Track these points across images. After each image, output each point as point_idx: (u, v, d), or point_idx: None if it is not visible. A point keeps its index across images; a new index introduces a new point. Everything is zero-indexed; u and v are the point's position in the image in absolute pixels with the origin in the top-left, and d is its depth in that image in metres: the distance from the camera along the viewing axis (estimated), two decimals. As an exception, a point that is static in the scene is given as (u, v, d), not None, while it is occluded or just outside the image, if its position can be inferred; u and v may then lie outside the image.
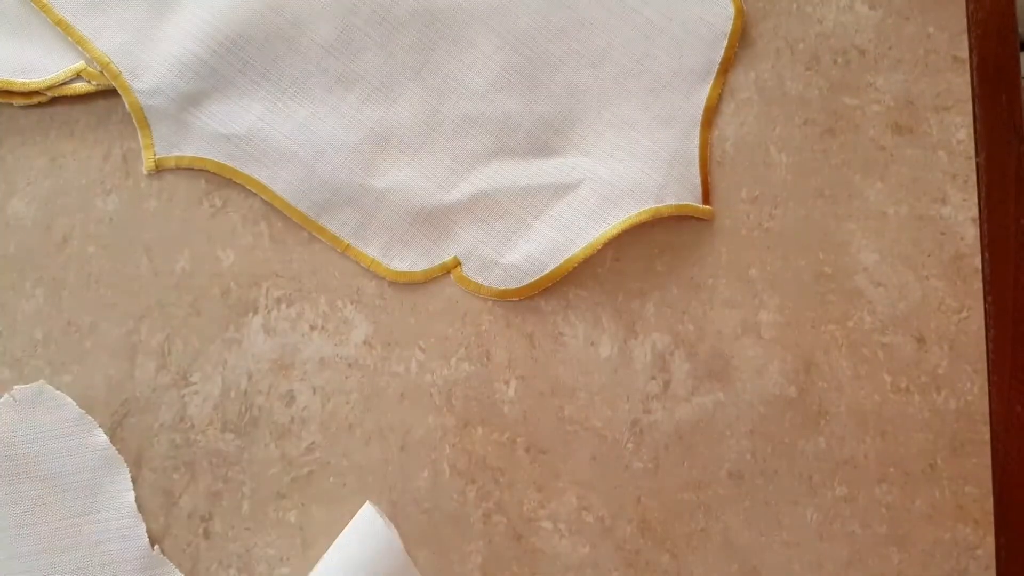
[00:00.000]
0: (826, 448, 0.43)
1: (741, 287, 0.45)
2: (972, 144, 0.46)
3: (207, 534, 0.43)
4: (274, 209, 0.45)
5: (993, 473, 0.43)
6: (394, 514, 0.43)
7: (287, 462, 0.43)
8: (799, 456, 0.43)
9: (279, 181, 0.44)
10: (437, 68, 0.46)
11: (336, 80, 0.45)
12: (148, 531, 0.42)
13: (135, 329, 0.44)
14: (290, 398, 0.43)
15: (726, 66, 0.46)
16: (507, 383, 0.44)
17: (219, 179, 0.45)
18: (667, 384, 0.44)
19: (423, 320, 0.44)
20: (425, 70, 0.46)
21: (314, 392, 0.43)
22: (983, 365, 0.44)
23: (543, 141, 0.45)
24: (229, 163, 0.45)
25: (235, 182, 0.45)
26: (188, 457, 0.43)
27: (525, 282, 0.44)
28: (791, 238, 0.45)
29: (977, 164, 0.46)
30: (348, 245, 0.44)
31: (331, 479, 0.43)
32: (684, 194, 0.45)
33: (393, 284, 0.44)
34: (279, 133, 0.44)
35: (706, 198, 0.45)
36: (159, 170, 0.45)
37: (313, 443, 0.43)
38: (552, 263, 0.44)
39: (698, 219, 0.45)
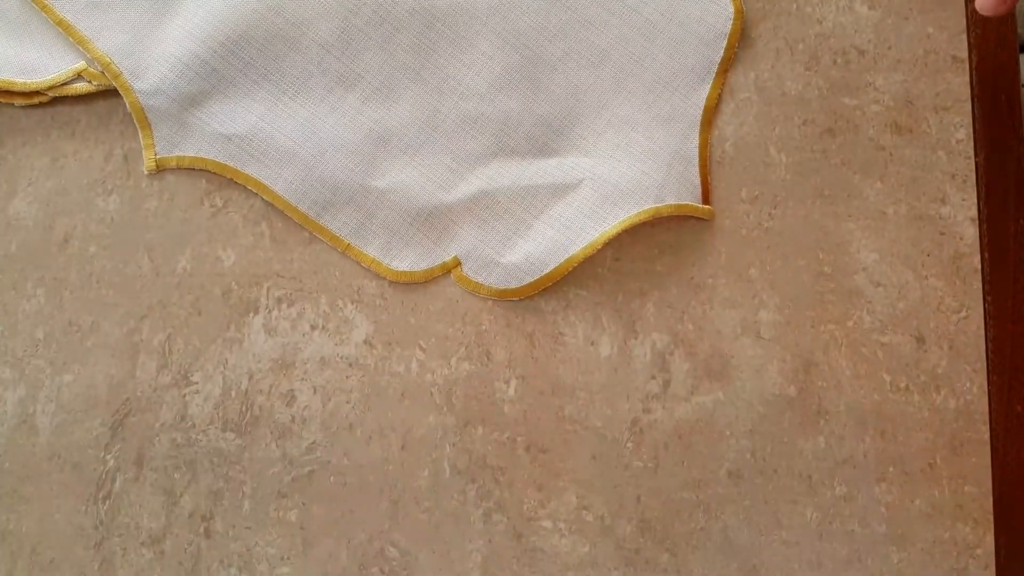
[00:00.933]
0: (825, 447, 0.43)
1: (741, 287, 0.45)
2: (971, 144, 0.46)
3: (208, 533, 0.43)
4: (275, 209, 0.45)
5: (993, 473, 0.43)
6: (394, 513, 0.43)
7: (288, 461, 0.43)
8: (798, 455, 0.43)
9: (280, 181, 0.45)
10: (437, 68, 0.46)
11: (337, 80, 0.45)
12: (149, 530, 0.42)
13: (136, 329, 0.44)
14: (291, 397, 0.44)
15: (725, 66, 0.46)
16: (507, 383, 0.44)
17: (220, 179, 0.45)
18: (667, 384, 0.44)
19: (423, 320, 0.44)
20: (425, 70, 0.46)
21: (315, 391, 0.44)
22: (982, 365, 0.44)
23: (543, 141, 0.45)
24: (230, 163, 0.45)
25: (236, 182, 0.45)
26: (189, 456, 0.43)
27: (525, 282, 0.44)
28: (791, 238, 0.45)
29: (976, 164, 0.46)
30: (349, 245, 0.44)
31: (332, 478, 0.43)
32: (684, 194, 0.45)
33: (393, 284, 0.45)
34: (280, 133, 0.45)
35: (706, 198, 0.45)
36: (160, 170, 0.45)
37: (314, 442, 0.43)
38: (552, 263, 0.44)
39: (698, 219, 0.45)
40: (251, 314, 0.44)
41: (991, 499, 0.43)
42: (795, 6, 0.47)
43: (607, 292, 0.45)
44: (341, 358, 0.44)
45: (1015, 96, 0.46)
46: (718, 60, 0.46)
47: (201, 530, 0.43)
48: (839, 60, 0.46)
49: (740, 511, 0.43)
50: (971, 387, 0.44)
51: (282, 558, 0.42)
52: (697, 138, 0.46)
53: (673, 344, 0.44)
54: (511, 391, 0.44)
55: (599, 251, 0.44)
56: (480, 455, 0.43)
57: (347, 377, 0.44)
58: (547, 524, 0.43)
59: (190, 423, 0.43)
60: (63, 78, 0.45)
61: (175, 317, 0.44)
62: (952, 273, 0.45)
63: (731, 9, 0.46)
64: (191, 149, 0.45)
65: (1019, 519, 0.43)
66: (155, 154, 0.45)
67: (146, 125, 0.45)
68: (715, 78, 0.46)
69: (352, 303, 0.44)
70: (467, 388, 0.44)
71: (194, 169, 0.45)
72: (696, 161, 0.45)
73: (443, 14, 0.46)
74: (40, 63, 0.45)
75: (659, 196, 0.44)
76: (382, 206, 0.45)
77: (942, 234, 0.45)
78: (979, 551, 0.43)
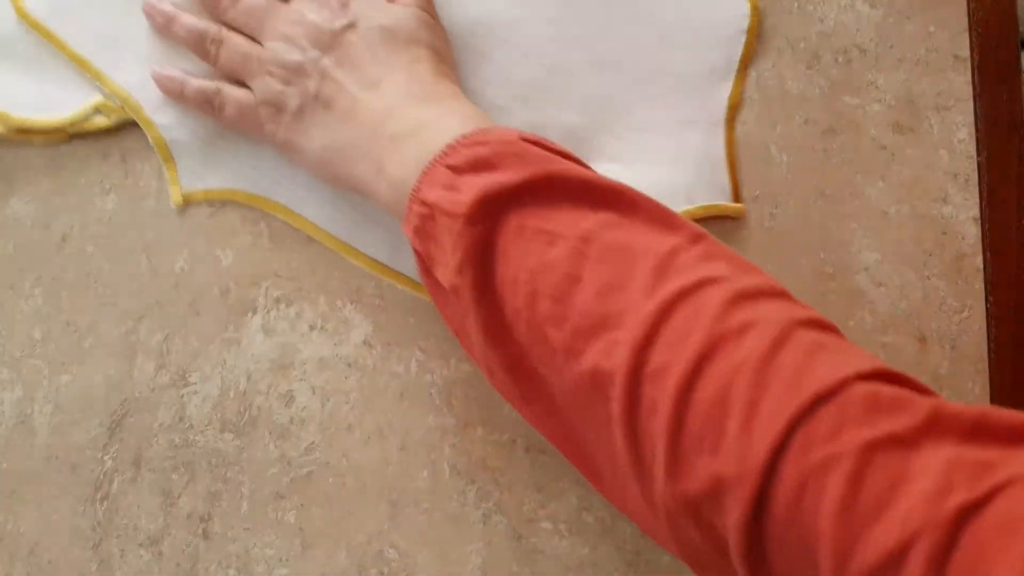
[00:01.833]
0: (827, 448, 0.43)
1: (742, 287, 0.44)
2: (973, 143, 0.46)
3: (206, 534, 0.42)
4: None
5: (995, 473, 0.43)
6: (393, 515, 0.43)
7: (286, 462, 0.43)
8: (800, 456, 0.43)
9: (309, 206, 0.44)
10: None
11: None
12: (147, 531, 0.42)
13: (134, 329, 0.44)
14: (289, 398, 0.43)
15: (746, 63, 0.46)
16: (507, 383, 0.44)
17: (218, 179, 0.45)
18: (667, 384, 0.44)
19: (423, 320, 0.44)
20: None
21: (313, 392, 0.43)
22: (985, 365, 0.44)
23: (570, 149, 0.45)
24: (257, 192, 0.44)
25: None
26: (187, 457, 0.43)
27: None
28: (792, 238, 0.45)
29: (978, 163, 0.46)
30: (385, 267, 0.44)
31: (330, 479, 0.43)
32: (714, 193, 0.45)
33: (392, 284, 0.44)
34: None
35: (736, 196, 0.45)
36: (187, 204, 0.44)
37: (312, 443, 0.43)
38: None
39: (703, 219, 0.45)
40: (249, 314, 0.44)
41: (993, 500, 0.43)
42: (796, 5, 0.47)
43: (607, 292, 0.44)
44: (340, 358, 0.44)
45: (1016, 95, 0.46)
46: (738, 57, 0.46)
47: (199, 531, 0.42)
48: (840, 59, 0.46)
49: (741, 512, 0.43)
50: (973, 387, 0.44)
51: (280, 559, 0.42)
52: (723, 136, 0.45)
53: (674, 344, 0.44)
54: (511, 392, 0.44)
55: (599, 251, 0.43)
56: (480, 456, 0.43)
57: (346, 378, 0.44)
58: (547, 525, 0.43)
59: (188, 424, 0.43)
60: (82, 115, 0.44)
61: (173, 317, 0.44)
62: (954, 273, 0.45)
63: (747, 7, 0.46)
64: (217, 181, 0.44)
65: (1021, 520, 0.43)
66: (181, 188, 0.44)
67: (170, 159, 0.44)
68: (736, 75, 0.46)
69: (351, 303, 0.44)
70: (467, 388, 0.44)
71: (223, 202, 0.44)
72: (724, 160, 0.45)
73: (460, 29, 0.45)
74: (55, 98, 0.44)
75: (689, 197, 0.44)
76: None
77: (944, 234, 0.45)
78: (981, 552, 0.42)
